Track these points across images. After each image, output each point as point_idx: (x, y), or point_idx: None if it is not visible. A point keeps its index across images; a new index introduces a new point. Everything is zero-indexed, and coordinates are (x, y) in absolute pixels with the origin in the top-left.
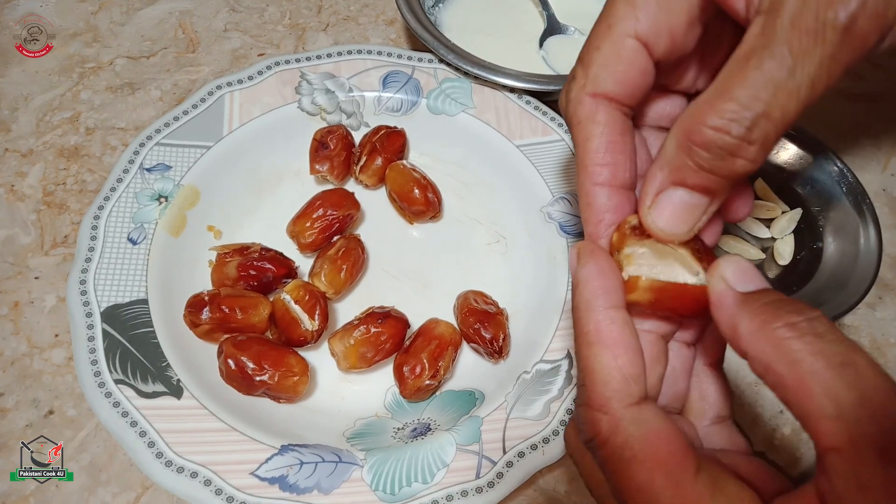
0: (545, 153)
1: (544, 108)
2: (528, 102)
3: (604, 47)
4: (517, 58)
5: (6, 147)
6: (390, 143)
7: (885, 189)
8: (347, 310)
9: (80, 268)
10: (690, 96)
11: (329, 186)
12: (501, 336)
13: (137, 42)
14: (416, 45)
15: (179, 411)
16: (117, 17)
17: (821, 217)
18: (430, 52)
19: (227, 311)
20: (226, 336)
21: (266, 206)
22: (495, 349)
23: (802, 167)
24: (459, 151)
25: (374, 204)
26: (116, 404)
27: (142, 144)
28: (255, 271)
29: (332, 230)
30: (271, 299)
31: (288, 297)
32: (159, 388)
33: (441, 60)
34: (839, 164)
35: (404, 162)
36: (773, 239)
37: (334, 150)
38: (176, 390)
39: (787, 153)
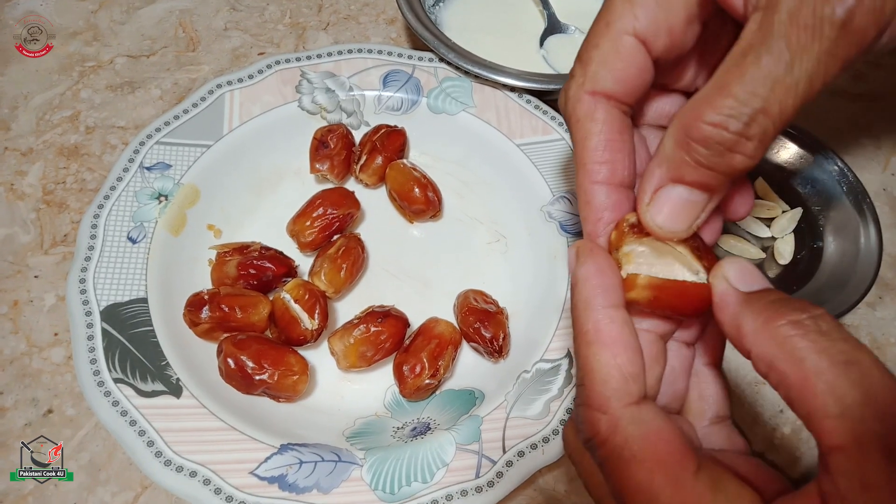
0: (545, 152)
1: (545, 107)
2: (528, 101)
3: (602, 45)
4: (518, 57)
5: (6, 146)
6: (390, 142)
7: (886, 188)
8: (347, 309)
9: (79, 266)
10: (690, 95)
11: (329, 185)
12: (501, 335)
13: (137, 41)
14: (417, 44)
15: (179, 410)
16: (117, 16)
17: (821, 216)
18: (431, 51)
19: (226, 309)
20: (225, 335)
21: (266, 205)
22: (495, 348)
23: (803, 166)
24: (460, 150)
25: (375, 203)
26: (115, 403)
27: (142, 143)
28: (254, 270)
29: (332, 229)
30: (271, 298)
31: (288, 296)
32: (158, 387)
33: (441, 59)
34: (840, 164)
35: (404, 161)
36: (774, 238)
37: (334, 149)
38: (175, 389)
39: (787, 152)
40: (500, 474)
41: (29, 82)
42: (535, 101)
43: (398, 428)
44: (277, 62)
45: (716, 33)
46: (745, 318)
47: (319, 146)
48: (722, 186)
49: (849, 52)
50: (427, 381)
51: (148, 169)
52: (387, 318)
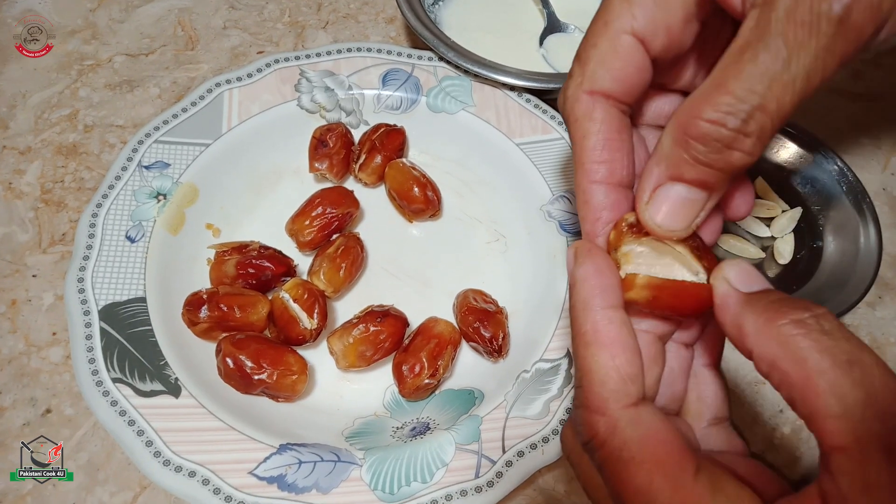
0: (545, 151)
1: (544, 106)
2: (528, 100)
3: (600, 44)
4: (517, 56)
5: (4, 144)
6: (390, 141)
7: (885, 188)
8: (346, 308)
9: (77, 266)
10: (689, 94)
11: (328, 184)
12: (501, 335)
13: (136, 39)
14: (416, 42)
15: (177, 410)
16: (116, 15)
17: (821, 216)
18: (430, 49)
19: (225, 309)
20: (224, 334)
21: (265, 204)
22: (495, 348)
23: (802, 166)
24: (459, 149)
25: (374, 202)
26: (114, 403)
27: (140, 142)
28: (253, 269)
29: (332, 228)
30: (270, 298)
31: (287, 296)
32: (157, 386)
33: (441, 58)
34: (839, 163)
35: (404, 160)
36: (773, 238)
37: (333, 148)
38: (174, 389)
39: (787, 152)
40: (499, 474)
41: (27, 81)
42: (534, 100)
43: (398, 428)
44: (276, 61)
45: (714, 32)
46: (747, 318)
47: (318, 145)
48: (721, 184)
49: (846, 48)
50: (426, 381)
51: (146, 168)
52: (386, 318)
